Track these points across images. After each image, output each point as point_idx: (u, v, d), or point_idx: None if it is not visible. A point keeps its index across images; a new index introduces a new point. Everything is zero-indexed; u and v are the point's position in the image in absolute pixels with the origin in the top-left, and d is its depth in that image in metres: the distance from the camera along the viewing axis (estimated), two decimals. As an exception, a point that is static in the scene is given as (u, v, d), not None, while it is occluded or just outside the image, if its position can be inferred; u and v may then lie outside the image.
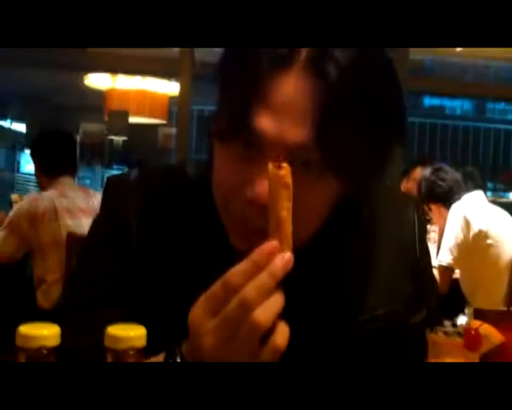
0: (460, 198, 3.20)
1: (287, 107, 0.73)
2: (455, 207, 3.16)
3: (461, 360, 0.78)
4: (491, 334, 0.80)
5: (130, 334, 0.57)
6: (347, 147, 0.75)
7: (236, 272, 0.67)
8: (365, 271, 0.90)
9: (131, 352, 0.56)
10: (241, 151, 0.76)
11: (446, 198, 3.24)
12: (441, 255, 3.09)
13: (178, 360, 0.70)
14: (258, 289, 0.66)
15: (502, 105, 8.63)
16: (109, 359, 0.57)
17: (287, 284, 0.72)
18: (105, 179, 1.01)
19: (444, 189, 3.26)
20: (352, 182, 0.80)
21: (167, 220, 0.88)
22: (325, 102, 0.72)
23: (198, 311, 0.68)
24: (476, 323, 0.79)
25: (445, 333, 0.79)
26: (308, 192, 0.77)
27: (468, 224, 3.08)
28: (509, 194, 5.99)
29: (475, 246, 3.09)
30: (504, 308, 2.79)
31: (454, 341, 0.78)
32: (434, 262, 2.96)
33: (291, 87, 0.73)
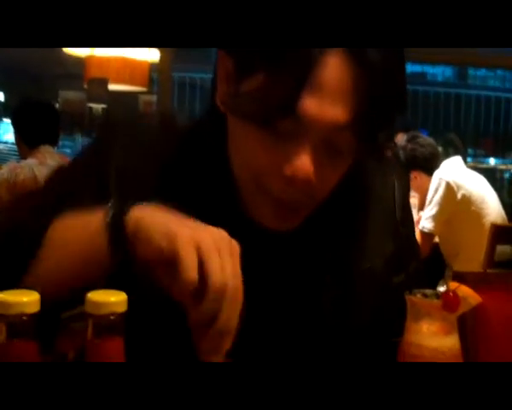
0: (439, 164, 3.22)
1: (331, 89, 0.75)
2: (436, 174, 3.18)
3: (439, 321, 0.79)
4: (469, 295, 0.81)
5: (110, 299, 0.57)
6: (377, 130, 0.79)
7: None
8: (352, 228, 0.94)
9: (112, 317, 0.57)
10: (279, 131, 0.77)
11: (428, 164, 3.26)
12: (424, 222, 3.12)
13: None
14: None
15: (483, 72, 8.65)
16: (90, 325, 0.57)
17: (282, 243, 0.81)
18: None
19: (424, 154, 3.28)
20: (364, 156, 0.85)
21: (151, 170, 0.87)
22: (365, 87, 0.75)
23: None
24: (454, 284, 0.80)
25: (424, 295, 0.80)
26: (332, 175, 0.82)
27: (450, 190, 3.11)
28: (489, 160, 6.05)
29: (458, 211, 3.13)
30: (482, 271, 2.84)
31: (432, 302, 0.79)
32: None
33: (335, 70, 0.74)
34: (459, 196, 3.12)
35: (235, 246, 0.71)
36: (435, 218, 3.13)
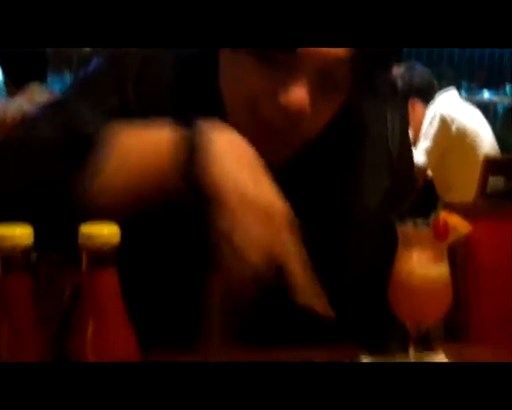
0: (435, 95, 3.19)
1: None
2: (431, 108, 3.16)
3: (429, 249, 0.80)
4: (459, 224, 0.82)
5: (103, 231, 0.57)
6: (374, 65, 0.80)
7: None
8: (350, 165, 0.94)
9: (106, 249, 0.57)
10: (277, 61, 0.77)
11: (425, 92, 3.22)
12: (416, 156, 3.12)
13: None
14: None
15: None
16: (84, 257, 0.57)
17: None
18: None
19: (421, 83, 3.24)
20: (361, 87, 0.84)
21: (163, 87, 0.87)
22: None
23: None
24: (445, 214, 0.81)
25: (415, 224, 0.81)
26: (326, 110, 0.82)
27: (445, 124, 3.10)
28: (483, 92, 6.00)
29: (452, 145, 3.12)
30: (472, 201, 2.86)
31: (423, 231, 0.80)
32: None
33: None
34: (454, 129, 3.10)
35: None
36: (428, 152, 3.13)
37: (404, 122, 1.00)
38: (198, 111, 0.85)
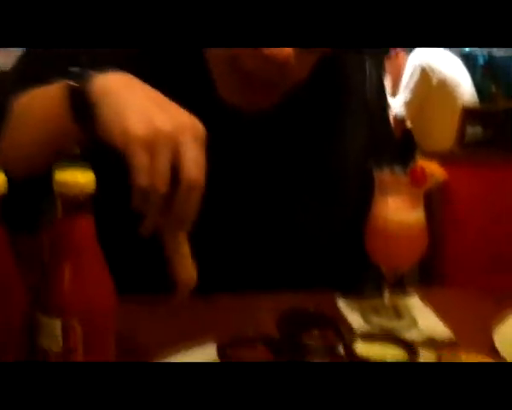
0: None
1: None
2: (411, 58, 3.13)
3: (407, 196, 0.81)
4: (436, 171, 0.82)
5: (78, 179, 0.57)
6: None
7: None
8: (332, 119, 0.93)
9: (81, 196, 0.56)
10: None
11: None
12: (397, 108, 3.11)
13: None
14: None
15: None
16: (59, 204, 0.57)
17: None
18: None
19: None
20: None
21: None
22: None
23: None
24: (422, 161, 0.82)
25: (392, 171, 0.82)
26: (310, 58, 0.81)
27: (425, 76, 3.08)
28: (464, 42, 5.97)
29: (432, 96, 3.12)
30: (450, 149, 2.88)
31: (400, 177, 0.80)
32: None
33: None
34: (433, 80, 3.09)
35: (199, 131, 0.67)
36: (408, 103, 3.12)
37: (381, 73, 1.01)
38: (181, 71, 0.84)
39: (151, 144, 0.64)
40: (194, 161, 0.65)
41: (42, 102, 0.74)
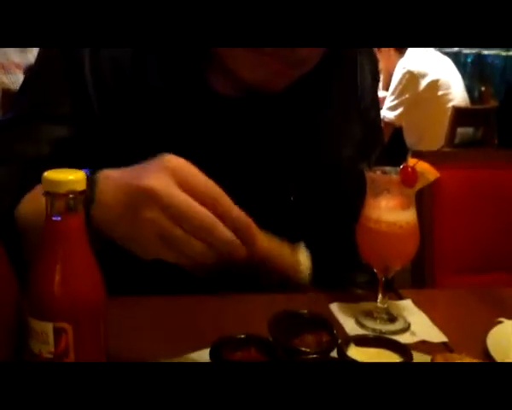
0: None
1: None
2: (401, 62, 3.13)
3: (397, 195, 0.81)
4: (427, 171, 0.82)
5: (68, 177, 0.56)
6: None
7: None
8: (324, 117, 0.93)
9: (71, 196, 0.56)
10: None
11: None
12: (384, 111, 3.11)
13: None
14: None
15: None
16: (48, 204, 0.56)
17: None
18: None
19: None
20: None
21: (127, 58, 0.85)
22: None
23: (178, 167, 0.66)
24: (413, 161, 0.81)
25: (383, 171, 0.82)
26: None
27: (414, 80, 3.09)
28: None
29: (422, 99, 3.12)
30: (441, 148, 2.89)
31: (391, 178, 0.80)
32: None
33: None
34: (423, 84, 3.10)
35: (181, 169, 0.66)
36: (396, 108, 3.13)
37: (374, 74, 1.00)
38: (177, 63, 0.84)
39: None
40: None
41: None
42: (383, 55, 3.22)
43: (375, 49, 3.28)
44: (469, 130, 3.16)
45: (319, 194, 0.93)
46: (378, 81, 1.05)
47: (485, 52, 5.54)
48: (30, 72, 0.93)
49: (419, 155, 0.87)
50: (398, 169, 0.81)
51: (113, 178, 0.68)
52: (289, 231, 0.90)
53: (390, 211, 0.80)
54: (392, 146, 3.06)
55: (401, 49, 3.19)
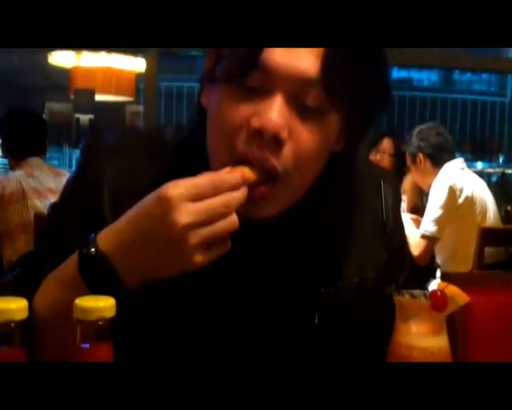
0: (446, 160, 3.18)
1: None
2: (439, 177, 3.14)
3: (427, 321, 0.79)
4: (457, 294, 0.81)
5: (99, 305, 0.57)
6: (349, 92, 0.79)
7: (227, 178, 0.75)
8: (341, 239, 0.93)
9: (101, 322, 0.56)
10: (247, 88, 0.79)
11: (439, 151, 3.19)
12: (426, 225, 3.06)
13: (93, 251, 0.75)
14: (238, 200, 0.75)
15: (468, 76, 8.71)
16: (78, 331, 0.57)
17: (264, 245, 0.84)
18: (76, 155, 1.01)
19: (440, 140, 3.22)
20: (343, 134, 0.85)
21: (145, 187, 0.87)
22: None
23: (178, 190, 0.72)
24: (442, 284, 0.81)
25: (412, 295, 0.81)
26: (308, 139, 0.80)
27: (454, 193, 3.07)
28: (477, 164, 6.09)
29: (461, 213, 3.08)
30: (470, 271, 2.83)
31: (421, 302, 0.79)
32: (410, 232, 2.96)
33: None
34: (461, 199, 3.08)
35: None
36: (438, 221, 3.06)
37: (397, 196, 1.01)
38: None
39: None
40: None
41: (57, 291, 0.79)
42: (419, 160, 3.22)
43: (411, 168, 3.33)
44: (498, 250, 3.11)
45: (346, 320, 0.91)
46: (400, 201, 1.05)
47: (509, 171, 5.59)
48: (53, 209, 0.98)
49: (448, 277, 0.86)
50: (427, 293, 0.80)
51: (113, 224, 0.78)
52: (315, 358, 0.88)
53: (421, 337, 0.79)
54: (424, 266, 3.03)
55: (436, 164, 3.19)
